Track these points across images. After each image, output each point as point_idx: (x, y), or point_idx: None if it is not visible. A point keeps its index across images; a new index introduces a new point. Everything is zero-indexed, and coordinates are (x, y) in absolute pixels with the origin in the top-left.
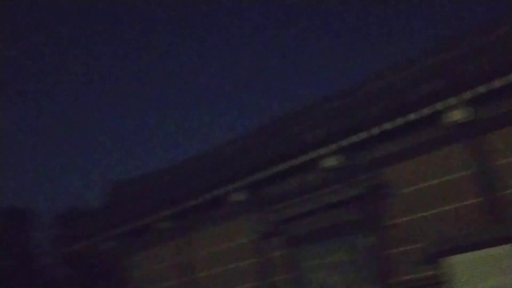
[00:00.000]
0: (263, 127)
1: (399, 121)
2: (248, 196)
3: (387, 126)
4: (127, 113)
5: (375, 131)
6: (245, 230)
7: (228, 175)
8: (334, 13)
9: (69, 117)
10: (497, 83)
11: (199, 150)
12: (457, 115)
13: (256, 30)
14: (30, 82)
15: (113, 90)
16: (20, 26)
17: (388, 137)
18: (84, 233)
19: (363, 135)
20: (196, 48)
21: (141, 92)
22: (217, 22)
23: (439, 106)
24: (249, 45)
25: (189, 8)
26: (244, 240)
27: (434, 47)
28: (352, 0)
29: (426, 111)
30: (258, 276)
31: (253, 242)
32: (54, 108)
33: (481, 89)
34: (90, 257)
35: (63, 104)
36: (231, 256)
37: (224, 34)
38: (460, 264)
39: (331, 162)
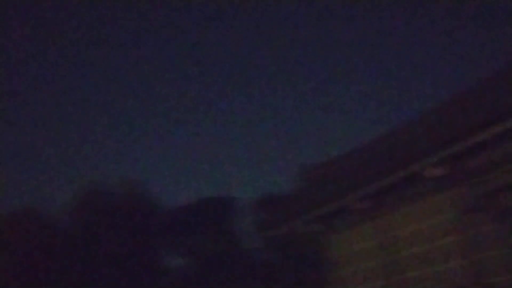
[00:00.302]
0: (461, 94)
1: None
2: (448, 170)
3: None
4: (317, 97)
5: None
6: (446, 206)
7: (424, 149)
8: None
9: (264, 108)
10: None
11: (390, 126)
12: None
13: None
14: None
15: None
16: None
17: None
18: (282, 217)
19: None
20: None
21: (334, 72)
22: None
23: None
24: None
25: None
26: (446, 217)
27: None
28: None
29: None
30: (464, 254)
31: (457, 218)
32: (263, 99)
33: None
34: (291, 240)
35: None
36: (433, 234)
37: None
38: None
39: None
